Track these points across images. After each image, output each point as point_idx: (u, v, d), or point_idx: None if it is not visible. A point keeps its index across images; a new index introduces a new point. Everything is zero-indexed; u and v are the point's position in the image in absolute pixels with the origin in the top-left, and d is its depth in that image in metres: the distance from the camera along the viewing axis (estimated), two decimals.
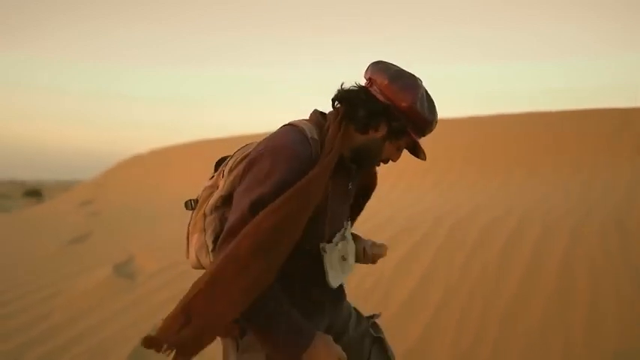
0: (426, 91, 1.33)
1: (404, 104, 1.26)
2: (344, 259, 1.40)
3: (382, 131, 1.30)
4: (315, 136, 1.28)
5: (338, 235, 1.38)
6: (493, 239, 4.20)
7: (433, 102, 1.34)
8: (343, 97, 1.30)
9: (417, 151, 1.37)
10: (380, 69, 1.30)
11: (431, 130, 1.35)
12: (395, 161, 1.39)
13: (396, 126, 1.30)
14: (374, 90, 1.28)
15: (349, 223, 1.47)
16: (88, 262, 5.79)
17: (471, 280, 3.54)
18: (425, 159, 1.37)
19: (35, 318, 4.02)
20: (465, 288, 3.45)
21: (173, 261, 5.13)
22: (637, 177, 6.80)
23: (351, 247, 1.45)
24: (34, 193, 31.34)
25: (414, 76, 1.32)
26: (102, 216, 10.48)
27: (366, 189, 1.56)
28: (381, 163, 1.40)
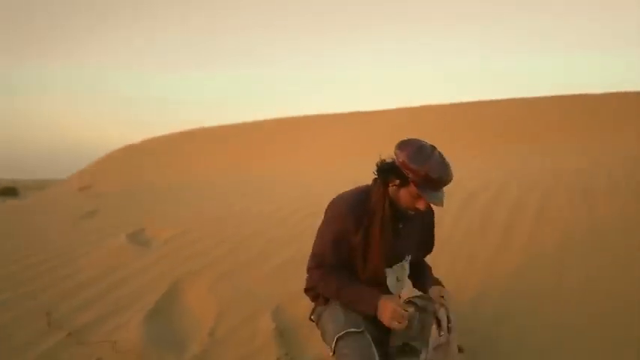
0: (440, 156, 1.85)
1: (400, 160, 1.85)
2: (398, 280, 2.07)
3: (394, 182, 1.90)
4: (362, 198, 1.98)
5: (398, 264, 2.07)
6: (476, 203, 4.73)
7: (444, 164, 1.84)
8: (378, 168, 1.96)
9: (431, 200, 1.86)
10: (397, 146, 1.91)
11: (441, 184, 1.85)
12: (422, 209, 1.93)
13: (401, 176, 1.86)
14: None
15: (408, 256, 2.13)
16: (99, 234, 5.88)
17: (458, 237, 3.98)
18: (439, 205, 1.88)
19: (60, 277, 4.22)
20: (453, 242, 3.90)
21: (184, 229, 5.33)
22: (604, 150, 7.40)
23: (404, 271, 2.11)
24: (10, 190, 30.28)
25: (422, 146, 1.84)
26: (105, 197, 10.55)
27: (427, 227, 2.20)
28: (416, 209, 1.94)
